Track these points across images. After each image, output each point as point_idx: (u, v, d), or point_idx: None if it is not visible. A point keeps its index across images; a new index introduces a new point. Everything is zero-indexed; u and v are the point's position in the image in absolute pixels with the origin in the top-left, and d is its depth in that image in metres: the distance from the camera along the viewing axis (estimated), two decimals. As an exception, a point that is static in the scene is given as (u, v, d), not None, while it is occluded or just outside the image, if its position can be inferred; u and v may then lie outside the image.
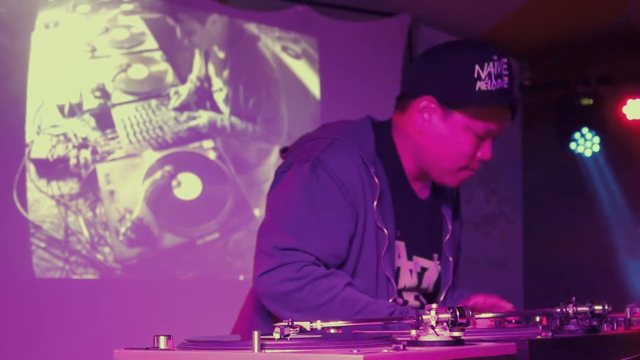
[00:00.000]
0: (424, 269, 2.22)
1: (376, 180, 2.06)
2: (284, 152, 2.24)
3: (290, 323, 1.27)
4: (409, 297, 2.20)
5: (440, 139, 2.09)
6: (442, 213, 2.28)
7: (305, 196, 2.00)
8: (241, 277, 4.80)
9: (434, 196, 2.27)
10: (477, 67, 2.02)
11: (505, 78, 2.05)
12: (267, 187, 2.19)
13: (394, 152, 2.16)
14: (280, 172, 2.12)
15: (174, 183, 4.62)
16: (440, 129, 2.09)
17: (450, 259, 2.27)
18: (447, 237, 2.26)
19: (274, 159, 4.91)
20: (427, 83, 2.10)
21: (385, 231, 2.06)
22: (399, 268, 2.15)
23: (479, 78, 2.02)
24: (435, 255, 2.26)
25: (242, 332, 2.17)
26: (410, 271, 2.18)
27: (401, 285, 2.16)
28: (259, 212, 4.84)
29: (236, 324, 2.28)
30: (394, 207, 2.10)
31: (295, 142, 2.22)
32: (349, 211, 2.02)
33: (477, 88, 2.03)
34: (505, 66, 2.06)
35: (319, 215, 1.99)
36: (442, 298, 2.27)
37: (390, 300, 2.08)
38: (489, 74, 2.03)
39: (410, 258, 2.18)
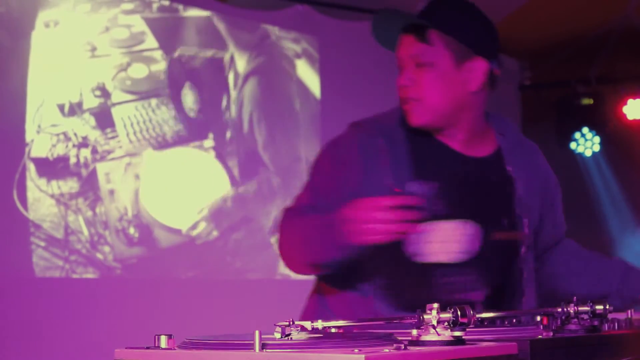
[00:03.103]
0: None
1: (384, 149, 2.06)
2: None
3: (291, 322, 1.27)
4: None
5: None
6: (510, 173, 2.22)
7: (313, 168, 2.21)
8: (241, 277, 4.79)
9: (498, 155, 2.21)
10: None
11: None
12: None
13: None
14: None
15: (174, 182, 4.62)
16: None
17: (525, 219, 2.20)
18: (517, 196, 2.20)
19: (273, 158, 4.91)
20: None
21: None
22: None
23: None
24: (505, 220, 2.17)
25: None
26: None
27: None
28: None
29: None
30: (415, 172, 2.05)
31: None
32: (339, 180, 2.10)
33: None
34: None
35: (314, 179, 2.15)
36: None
37: None
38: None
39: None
